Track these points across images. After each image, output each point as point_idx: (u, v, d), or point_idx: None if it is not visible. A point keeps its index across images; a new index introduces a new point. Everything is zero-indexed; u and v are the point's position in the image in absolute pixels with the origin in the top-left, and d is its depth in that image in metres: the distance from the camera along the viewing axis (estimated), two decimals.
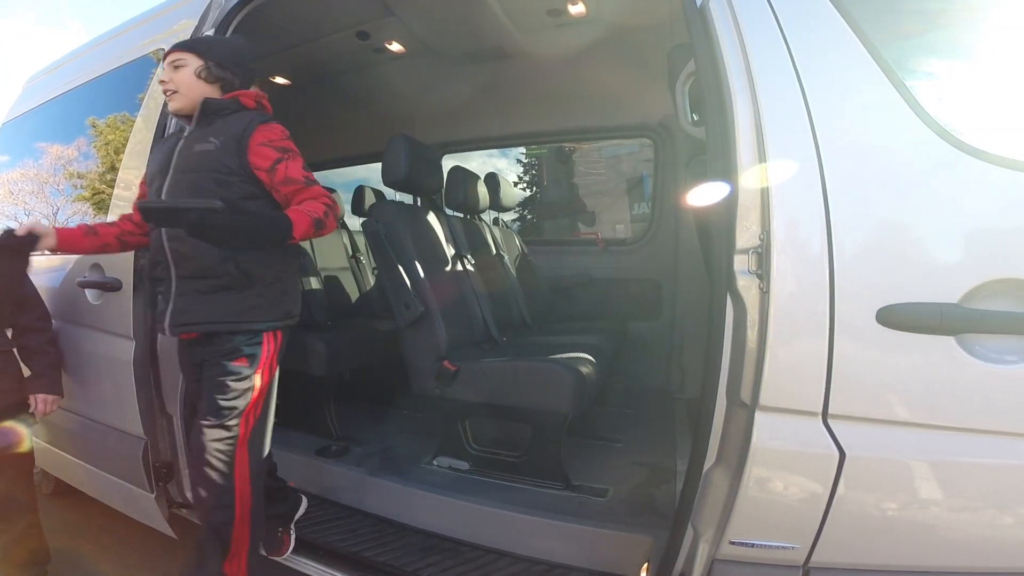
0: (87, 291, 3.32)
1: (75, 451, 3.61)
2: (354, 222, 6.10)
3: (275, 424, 2.75)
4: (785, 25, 1.89)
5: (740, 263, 1.88)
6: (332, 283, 5.25)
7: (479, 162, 6.80)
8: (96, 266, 3.28)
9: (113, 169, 3.49)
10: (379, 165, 3.78)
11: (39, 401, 3.05)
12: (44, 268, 3.49)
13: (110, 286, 3.15)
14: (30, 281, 3.14)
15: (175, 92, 2.63)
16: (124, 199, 3.25)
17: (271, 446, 2.78)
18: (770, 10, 1.92)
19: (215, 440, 2.50)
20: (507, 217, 6.42)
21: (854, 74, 1.82)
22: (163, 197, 2.57)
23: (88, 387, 3.41)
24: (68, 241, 2.72)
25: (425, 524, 3.13)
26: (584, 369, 3.15)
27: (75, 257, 3.48)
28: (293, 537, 3.00)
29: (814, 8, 1.88)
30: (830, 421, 1.78)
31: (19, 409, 3.01)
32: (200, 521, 2.67)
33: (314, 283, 4.75)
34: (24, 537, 3.03)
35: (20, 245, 2.59)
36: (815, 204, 1.75)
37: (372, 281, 5.90)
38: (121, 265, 3.11)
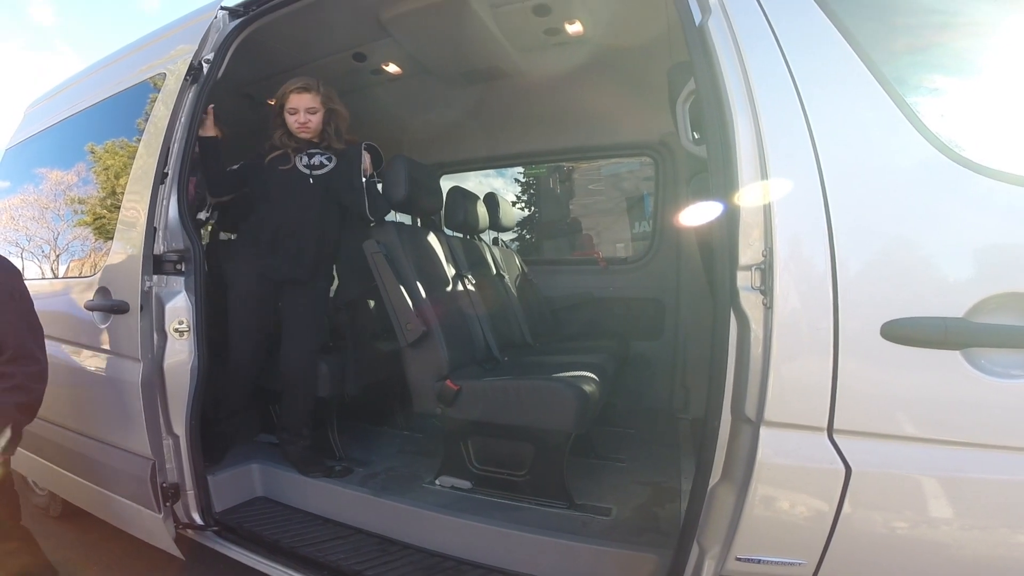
0: (95, 314, 3.35)
1: (83, 472, 3.61)
2: None
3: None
4: (784, 43, 1.91)
5: (743, 279, 1.89)
6: None
7: (476, 182, 6.82)
8: (103, 289, 3.30)
9: (114, 194, 3.51)
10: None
11: None
12: (50, 292, 3.51)
13: (117, 308, 3.17)
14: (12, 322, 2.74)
15: None
16: (128, 224, 3.27)
17: None
18: (769, 28, 1.94)
19: None
20: (507, 237, 6.42)
21: (855, 91, 1.83)
22: None
23: (96, 408, 3.43)
24: None
25: (428, 543, 3.12)
26: (587, 387, 3.15)
27: (83, 280, 3.52)
28: None
29: (813, 26, 1.90)
30: (836, 436, 1.79)
31: None
32: None
33: None
34: (20, 554, 2.98)
35: None
36: (818, 220, 1.76)
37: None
38: (128, 288, 3.15)
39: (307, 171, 3.82)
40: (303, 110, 3.78)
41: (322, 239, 3.84)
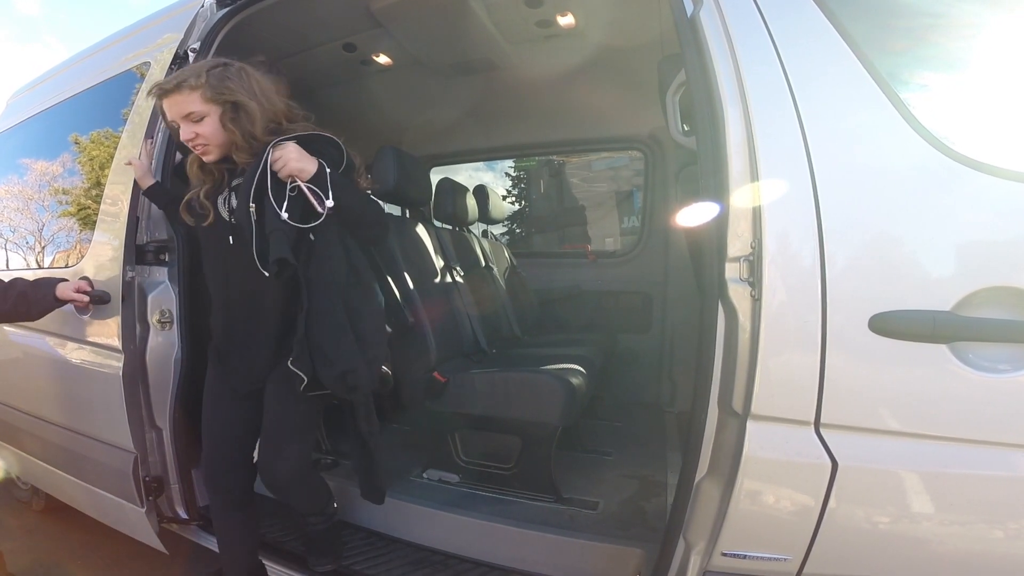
0: None
1: (65, 466, 3.59)
2: None
3: None
4: (776, 35, 1.88)
5: (731, 271, 1.87)
6: None
7: (466, 175, 6.79)
8: (85, 279, 3.25)
9: (98, 184, 3.46)
10: None
11: None
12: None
13: (99, 299, 3.13)
14: None
15: None
16: (111, 214, 3.24)
17: None
18: (761, 20, 1.91)
19: None
20: (496, 230, 6.41)
21: (847, 84, 1.81)
22: None
23: (77, 401, 3.40)
24: None
25: (415, 537, 3.13)
26: (574, 380, 3.15)
27: (65, 271, 3.48)
28: None
29: (806, 19, 1.88)
30: (822, 430, 1.77)
31: None
32: None
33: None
34: None
35: None
36: (807, 212, 1.74)
37: None
38: (110, 278, 3.12)
39: (228, 218, 2.51)
40: (180, 120, 2.39)
41: (272, 322, 2.58)
